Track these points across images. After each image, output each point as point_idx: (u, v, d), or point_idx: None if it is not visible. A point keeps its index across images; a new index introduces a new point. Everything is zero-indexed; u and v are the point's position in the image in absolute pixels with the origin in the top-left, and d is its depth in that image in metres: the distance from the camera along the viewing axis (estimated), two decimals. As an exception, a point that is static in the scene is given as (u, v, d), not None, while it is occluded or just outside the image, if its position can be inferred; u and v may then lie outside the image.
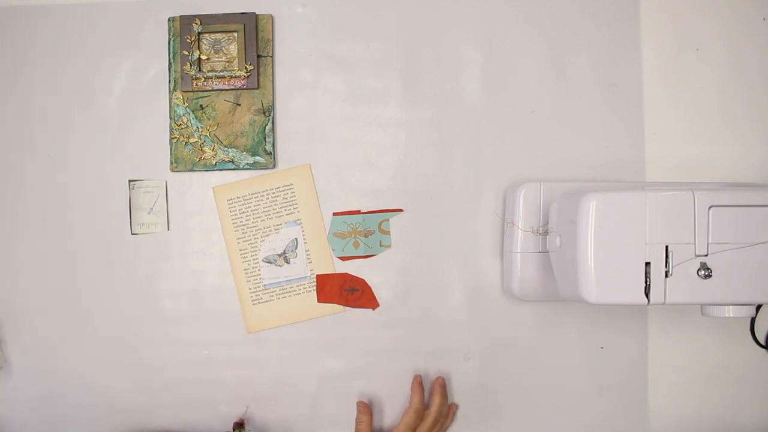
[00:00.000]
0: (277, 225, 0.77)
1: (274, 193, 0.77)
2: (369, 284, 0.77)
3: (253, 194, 0.78)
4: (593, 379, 0.77)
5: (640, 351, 0.77)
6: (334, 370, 0.77)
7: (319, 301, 0.77)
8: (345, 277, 0.78)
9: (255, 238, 0.77)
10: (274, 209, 0.77)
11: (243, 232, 0.77)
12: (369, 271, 0.78)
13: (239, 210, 0.78)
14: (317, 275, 0.77)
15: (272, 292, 0.77)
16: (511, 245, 0.73)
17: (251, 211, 0.78)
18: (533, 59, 0.78)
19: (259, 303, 0.77)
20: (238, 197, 0.78)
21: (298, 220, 0.77)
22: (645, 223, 0.59)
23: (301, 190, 0.78)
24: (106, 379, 0.77)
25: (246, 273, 0.77)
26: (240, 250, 0.77)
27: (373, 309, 0.78)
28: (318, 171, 0.78)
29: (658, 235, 0.59)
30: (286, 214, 0.77)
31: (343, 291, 0.77)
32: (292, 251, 0.77)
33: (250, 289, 0.77)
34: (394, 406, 0.77)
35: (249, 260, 0.77)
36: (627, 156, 0.77)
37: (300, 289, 0.77)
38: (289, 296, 0.77)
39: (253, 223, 0.77)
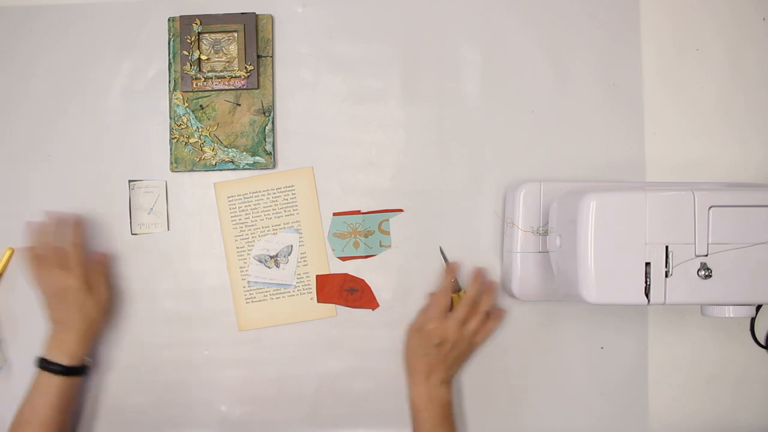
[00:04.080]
0: (276, 226, 0.77)
1: (275, 193, 0.77)
2: (369, 284, 0.77)
3: (254, 193, 0.77)
4: (593, 379, 0.77)
5: (640, 351, 0.77)
6: (334, 370, 0.77)
7: (318, 302, 0.77)
8: (345, 277, 0.77)
9: (253, 237, 0.77)
10: (273, 209, 0.77)
11: (241, 230, 0.77)
12: (369, 272, 0.77)
13: (239, 208, 0.78)
14: (317, 275, 0.77)
15: (266, 291, 0.77)
16: (511, 245, 0.73)
17: (251, 209, 0.77)
18: (533, 59, 0.78)
19: (252, 302, 0.77)
20: (239, 195, 0.77)
21: (298, 223, 0.77)
22: (645, 223, 0.59)
23: (303, 192, 0.77)
24: (105, 379, 0.77)
25: (241, 271, 0.77)
26: (237, 248, 0.77)
27: (373, 309, 0.77)
28: (318, 171, 0.78)
29: (658, 235, 0.59)
30: (286, 215, 0.77)
31: (343, 291, 0.77)
32: (284, 257, 0.77)
33: (244, 287, 0.77)
34: (394, 406, 0.77)
35: (245, 258, 0.77)
36: (627, 156, 0.77)
37: (285, 295, 0.77)
38: (284, 297, 0.77)
39: (252, 221, 0.77)
